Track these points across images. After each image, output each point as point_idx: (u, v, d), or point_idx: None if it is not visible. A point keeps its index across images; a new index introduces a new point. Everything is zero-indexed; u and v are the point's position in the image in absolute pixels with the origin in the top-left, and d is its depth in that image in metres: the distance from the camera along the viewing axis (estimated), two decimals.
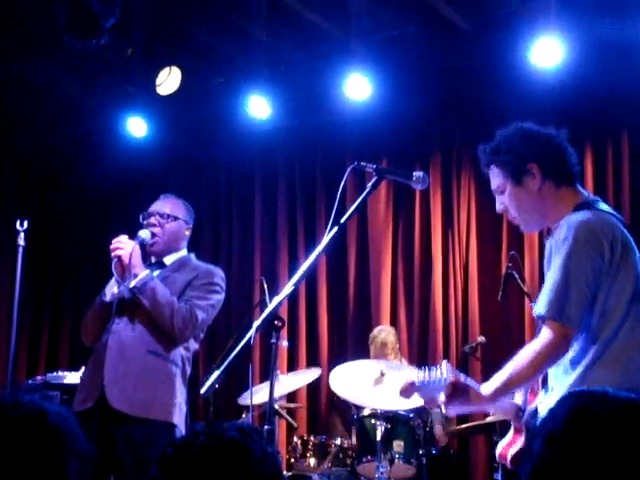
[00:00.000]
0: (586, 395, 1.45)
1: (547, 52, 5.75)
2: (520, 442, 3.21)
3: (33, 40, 6.18)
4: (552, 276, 2.89)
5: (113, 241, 4.12)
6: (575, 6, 5.67)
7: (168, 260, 4.33)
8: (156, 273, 4.24)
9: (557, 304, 2.85)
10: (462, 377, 3.03)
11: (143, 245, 4.21)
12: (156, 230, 4.26)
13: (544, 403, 3.03)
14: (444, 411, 3.23)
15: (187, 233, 4.42)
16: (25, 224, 4.48)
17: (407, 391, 3.09)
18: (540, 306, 2.88)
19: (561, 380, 2.95)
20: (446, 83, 6.70)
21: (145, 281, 4.06)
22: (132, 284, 4.06)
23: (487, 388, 2.97)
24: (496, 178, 3.15)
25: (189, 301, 4.13)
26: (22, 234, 4.46)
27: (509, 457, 3.21)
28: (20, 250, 4.46)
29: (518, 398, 3.17)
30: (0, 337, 7.50)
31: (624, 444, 1.31)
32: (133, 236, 4.19)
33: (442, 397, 3.01)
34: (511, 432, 3.32)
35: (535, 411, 3.10)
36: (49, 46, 6.12)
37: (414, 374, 3.08)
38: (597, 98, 6.39)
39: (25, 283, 4.55)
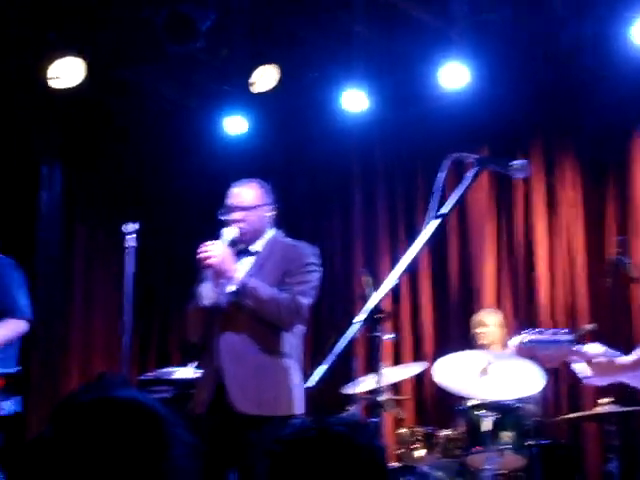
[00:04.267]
0: None
1: None
2: None
3: (133, 47, 6.33)
4: None
5: (200, 250, 4.10)
6: None
7: (258, 246, 4.30)
8: (249, 261, 4.25)
9: None
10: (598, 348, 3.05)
11: (231, 242, 4.20)
12: (241, 225, 4.22)
13: None
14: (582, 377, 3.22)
15: (270, 214, 4.36)
16: (134, 225, 4.59)
17: (521, 350, 3.11)
18: None
19: None
20: (547, 68, 6.58)
21: (244, 282, 4.07)
22: (232, 288, 4.08)
23: (626, 358, 2.98)
24: None
25: (290, 290, 4.12)
26: (132, 235, 4.58)
27: None
28: (130, 250, 4.58)
29: None
30: (112, 335, 7.72)
31: None
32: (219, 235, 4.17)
33: (582, 367, 3.04)
34: None
35: None
36: (148, 52, 6.26)
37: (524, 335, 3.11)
38: None
39: (137, 283, 4.67)
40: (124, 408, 1.67)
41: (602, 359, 3.02)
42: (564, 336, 3.05)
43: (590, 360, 3.04)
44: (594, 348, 3.05)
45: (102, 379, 1.79)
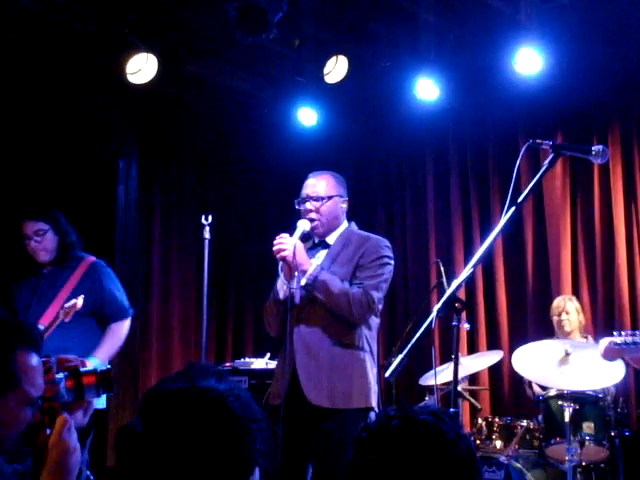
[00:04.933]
0: None
1: None
2: None
3: (206, 40, 6.39)
4: None
5: (275, 242, 4.09)
6: None
7: (331, 239, 4.29)
8: (322, 254, 4.26)
9: None
10: None
11: (304, 234, 4.20)
12: (314, 216, 4.22)
13: None
14: None
15: (344, 206, 4.36)
16: (210, 218, 4.64)
17: (609, 353, 3.07)
18: None
19: None
20: (623, 50, 6.46)
21: (315, 275, 4.06)
22: (303, 282, 4.07)
23: None
24: None
25: (362, 284, 4.10)
26: (207, 228, 4.63)
27: None
28: (206, 243, 4.64)
29: None
30: (189, 326, 7.83)
31: None
32: (294, 227, 4.18)
33: None
34: None
35: None
36: (222, 45, 6.31)
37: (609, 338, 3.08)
38: None
39: (213, 275, 4.72)
40: (206, 398, 1.70)
41: None
42: None
43: None
44: None
45: (190, 368, 1.82)
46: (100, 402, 4.83)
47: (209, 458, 1.68)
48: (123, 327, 5.19)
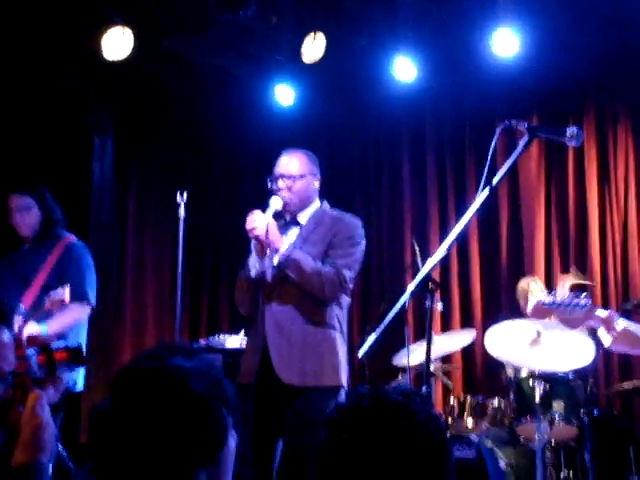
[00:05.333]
0: None
1: None
2: None
3: (184, 16, 6.34)
4: None
5: (247, 220, 4.07)
6: None
7: (303, 217, 4.31)
8: (294, 232, 4.26)
9: None
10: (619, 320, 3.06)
11: (277, 212, 4.19)
12: (286, 194, 4.22)
13: None
14: (606, 345, 3.22)
15: (316, 185, 4.37)
16: (185, 195, 4.63)
17: (537, 311, 3.14)
18: None
19: None
20: (600, 33, 6.48)
21: (288, 254, 4.06)
22: (275, 260, 4.08)
23: None
24: None
25: (334, 262, 4.12)
26: (182, 205, 4.62)
27: None
28: (181, 220, 4.62)
29: None
30: (164, 304, 7.81)
31: None
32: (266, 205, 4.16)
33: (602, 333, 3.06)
34: None
35: None
36: (200, 21, 6.27)
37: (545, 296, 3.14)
38: None
39: (187, 252, 4.70)
40: (173, 376, 1.72)
41: (628, 329, 3.04)
42: (580, 300, 3.08)
43: (609, 327, 3.06)
44: (611, 316, 3.09)
45: (160, 347, 1.83)
46: (78, 385, 4.85)
47: (171, 436, 1.69)
48: (79, 310, 5.11)
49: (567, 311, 3.10)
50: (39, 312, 4.84)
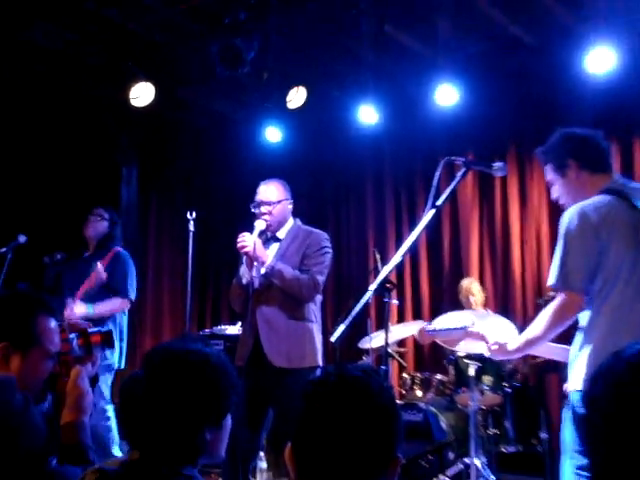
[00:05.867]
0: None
1: (600, 61, 5.50)
2: None
3: (194, 73, 6.35)
4: (556, 254, 2.86)
5: (238, 240, 4.08)
6: (621, 23, 5.42)
7: (281, 233, 4.29)
8: (275, 246, 4.25)
9: (561, 276, 2.80)
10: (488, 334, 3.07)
11: (262, 233, 4.20)
12: (267, 217, 4.22)
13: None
14: (487, 355, 3.22)
15: (290, 207, 4.35)
16: (194, 214, 4.62)
17: (421, 337, 3.16)
18: (550, 278, 2.85)
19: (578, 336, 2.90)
20: (517, 89, 6.55)
21: (272, 265, 4.07)
22: (263, 271, 4.08)
23: (512, 344, 3.01)
24: (549, 174, 3.17)
25: (309, 270, 4.13)
26: (192, 221, 4.62)
27: None
28: (190, 234, 4.62)
29: None
30: (177, 299, 7.78)
31: None
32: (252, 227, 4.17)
33: (483, 347, 3.07)
34: None
35: None
36: (206, 76, 6.27)
37: (431, 324, 3.16)
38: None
39: (196, 258, 4.70)
40: (194, 357, 1.75)
41: (494, 346, 3.04)
42: (457, 324, 3.09)
43: (485, 341, 3.06)
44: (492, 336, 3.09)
45: (183, 336, 1.86)
46: (121, 362, 4.91)
47: (197, 401, 1.72)
48: (120, 303, 5.18)
49: (445, 334, 3.11)
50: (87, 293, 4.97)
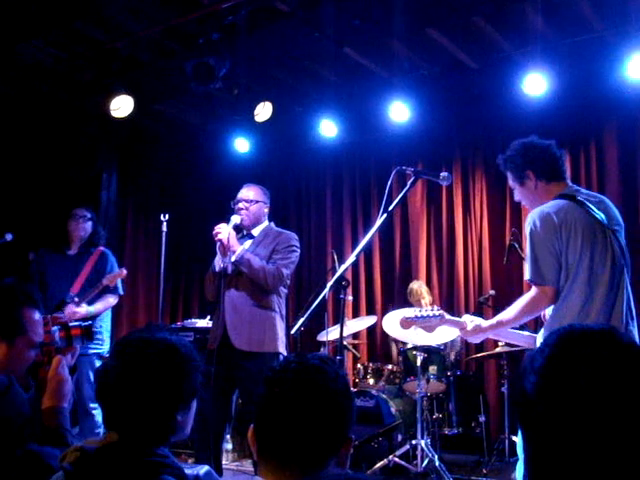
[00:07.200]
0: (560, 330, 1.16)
1: (535, 84, 5.62)
2: None
3: (169, 87, 6.30)
4: (528, 253, 2.91)
5: (215, 228, 4.10)
6: (553, 51, 5.54)
7: (256, 232, 4.32)
8: (248, 242, 4.26)
9: (536, 271, 2.86)
10: (472, 318, 3.10)
11: (236, 226, 4.21)
12: (243, 213, 4.26)
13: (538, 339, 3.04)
14: (462, 336, 3.24)
15: (266, 210, 4.38)
16: (167, 216, 4.59)
17: (403, 323, 3.17)
18: (527, 274, 2.91)
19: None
20: (462, 107, 6.63)
21: (242, 255, 4.08)
22: (233, 258, 4.08)
23: (486, 323, 3.03)
24: (510, 181, 3.18)
25: (275, 262, 4.15)
26: (165, 223, 4.58)
27: None
28: (163, 234, 4.58)
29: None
30: (151, 295, 7.71)
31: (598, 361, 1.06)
32: (229, 220, 4.20)
33: (456, 332, 3.09)
34: None
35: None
36: (180, 90, 6.23)
37: (408, 311, 3.17)
38: (569, 116, 6.27)
39: (167, 257, 4.66)
40: (162, 344, 1.73)
41: (471, 325, 3.08)
42: (435, 312, 3.12)
43: (461, 327, 3.09)
44: (465, 318, 3.12)
45: (149, 326, 1.84)
46: (104, 349, 4.89)
47: (166, 386, 1.71)
48: (113, 299, 5.17)
49: (424, 321, 3.13)
50: (89, 294, 4.93)
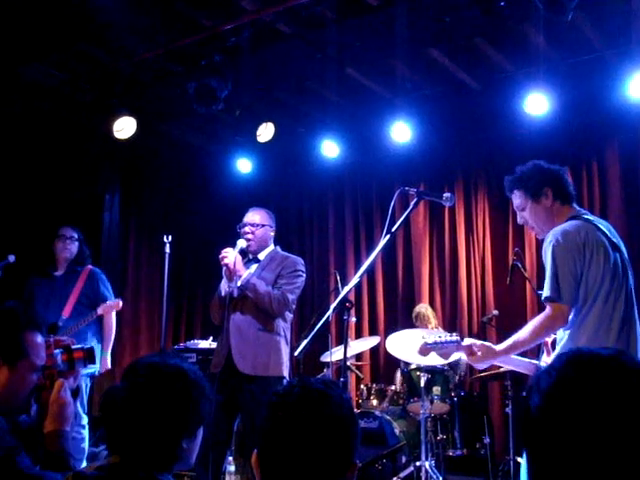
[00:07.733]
0: (572, 353, 1.16)
1: (536, 104, 5.64)
2: None
3: (172, 109, 6.34)
4: (548, 270, 2.89)
5: (222, 252, 4.08)
6: (554, 71, 5.57)
7: (262, 256, 4.30)
8: (254, 267, 4.25)
9: (555, 289, 2.84)
10: (476, 341, 3.06)
11: (242, 250, 4.20)
12: (250, 237, 4.24)
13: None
14: (470, 363, 3.19)
15: (272, 234, 4.37)
16: (170, 237, 4.59)
17: (423, 350, 3.13)
18: (545, 291, 2.88)
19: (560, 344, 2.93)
20: (464, 127, 6.65)
21: (248, 279, 4.07)
22: (239, 283, 4.07)
23: (499, 346, 2.98)
24: (518, 199, 3.16)
25: (281, 287, 4.13)
26: (168, 244, 4.58)
27: None
28: (166, 255, 4.58)
29: (545, 358, 3.08)
30: (154, 315, 7.69)
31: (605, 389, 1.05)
32: (234, 244, 4.18)
33: (464, 355, 3.04)
34: None
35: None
36: (183, 112, 6.27)
37: (428, 337, 3.13)
38: (571, 136, 6.28)
39: (171, 278, 4.66)
40: (172, 370, 1.73)
41: (479, 351, 3.03)
42: (450, 339, 3.09)
43: (470, 353, 3.05)
44: (467, 342, 3.09)
45: (161, 352, 1.84)
46: (95, 368, 4.82)
47: (173, 412, 1.70)
48: (113, 318, 5.11)
49: (443, 347, 3.10)
50: (82, 323, 4.86)
